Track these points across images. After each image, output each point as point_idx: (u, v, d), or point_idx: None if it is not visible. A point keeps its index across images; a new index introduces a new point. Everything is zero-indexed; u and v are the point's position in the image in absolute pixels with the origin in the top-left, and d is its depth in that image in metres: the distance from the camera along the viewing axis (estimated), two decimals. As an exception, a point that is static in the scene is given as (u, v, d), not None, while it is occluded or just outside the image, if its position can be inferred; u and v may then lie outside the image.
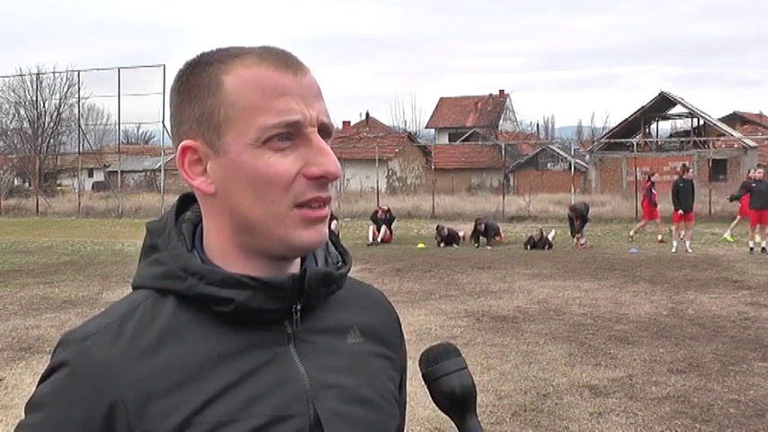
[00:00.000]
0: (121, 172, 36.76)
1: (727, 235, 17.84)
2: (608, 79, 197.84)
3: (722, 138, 38.86)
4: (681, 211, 15.99)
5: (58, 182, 48.04)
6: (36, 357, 6.96)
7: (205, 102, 0.88)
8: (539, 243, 16.93)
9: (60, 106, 43.90)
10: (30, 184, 41.61)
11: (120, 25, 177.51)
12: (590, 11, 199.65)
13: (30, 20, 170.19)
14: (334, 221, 17.64)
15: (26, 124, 45.28)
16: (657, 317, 8.76)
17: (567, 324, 8.39)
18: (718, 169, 35.97)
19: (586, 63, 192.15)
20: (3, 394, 5.91)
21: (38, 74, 41.92)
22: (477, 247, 17.49)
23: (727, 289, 10.73)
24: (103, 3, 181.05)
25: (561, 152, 47.75)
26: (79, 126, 36.50)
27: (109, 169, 43.30)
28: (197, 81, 0.89)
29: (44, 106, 44.12)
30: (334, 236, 0.97)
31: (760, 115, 52.53)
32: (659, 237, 18.00)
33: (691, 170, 17.69)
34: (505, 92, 62.19)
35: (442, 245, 17.79)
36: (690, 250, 15.65)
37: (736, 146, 38.64)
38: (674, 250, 15.74)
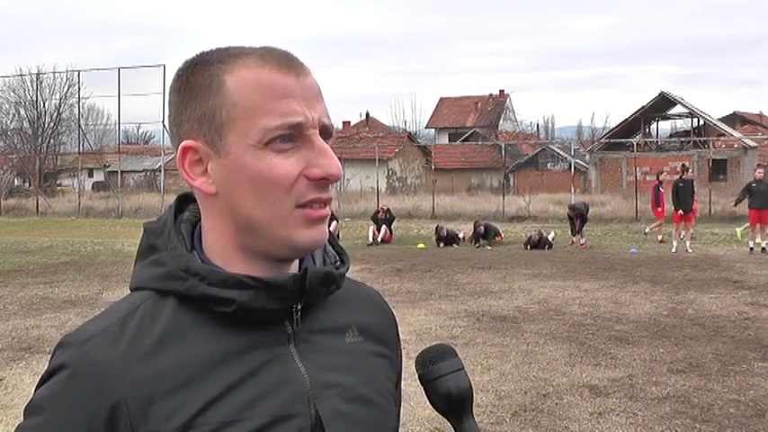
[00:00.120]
0: (121, 172, 36.75)
1: (739, 231, 17.83)
2: (608, 79, 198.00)
3: (722, 138, 38.87)
4: (681, 212, 15.99)
5: (58, 182, 48.04)
6: (36, 357, 6.96)
7: (206, 102, 0.88)
8: (539, 243, 16.93)
9: (60, 106, 43.96)
10: (30, 184, 41.62)
11: (120, 25, 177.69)
12: (590, 11, 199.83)
13: (30, 20, 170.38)
14: (334, 222, 17.65)
15: (26, 124, 45.32)
16: (657, 317, 8.76)
17: (567, 324, 8.39)
18: (719, 169, 35.97)
19: (586, 63, 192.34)
20: (3, 394, 5.91)
21: (38, 74, 42.01)
22: (477, 247, 17.49)
23: (727, 289, 10.74)
24: (103, 3, 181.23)
25: (561, 152, 47.75)
26: (79, 126, 36.52)
27: (109, 169, 43.31)
28: (198, 81, 0.89)
29: (44, 106, 44.19)
30: (331, 236, 0.97)
31: (760, 115, 52.54)
32: (659, 237, 18.00)
33: (690, 170, 17.70)
34: (505, 92, 62.22)
35: (441, 245, 17.78)
36: (690, 250, 15.66)
37: (736, 146, 38.64)
38: (674, 250, 15.75)
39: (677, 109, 41.81)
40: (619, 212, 26.15)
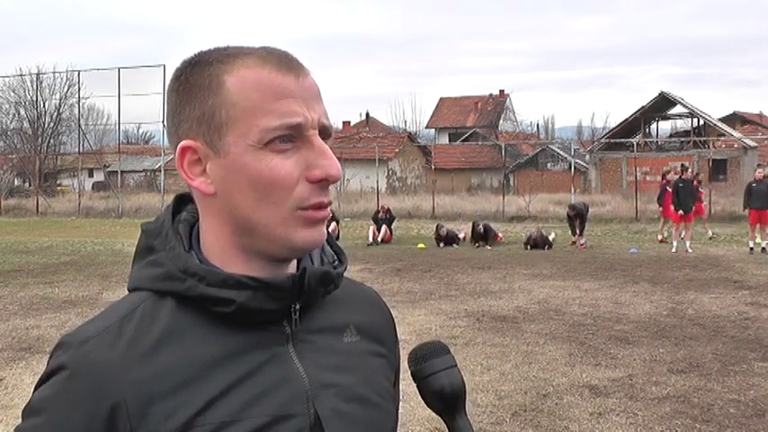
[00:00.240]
0: (121, 172, 36.75)
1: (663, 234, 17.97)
2: (608, 79, 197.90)
3: (722, 138, 38.87)
4: (681, 212, 15.99)
5: (58, 182, 48.03)
6: (36, 357, 6.96)
7: (206, 102, 0.88)
8: (539, 242, 16.92)
9: (60, 106, 43.92)
10: (30, 184, 41.62)
11: (120, 25, 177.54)
12: (590, 11, 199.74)
13: (30, 20, 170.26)
14: (333, 223, 17.66)
15: (26, 124, 45.27)
16: (657, 317, 8.76)
17: (567, 324, 8.39)
18: (719, 169, 35.98)
19: (586, 63, 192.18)
20: (3, 394, 5.91)
21: (38, 74, 41.96)
22: (477, 247, 17.49)
23: (727, 289, 10.74)
24: (103, 3, 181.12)
25: (561, 152, 47.76)
26: (79, 126, 36.52)
27: (109, 169, 43.31)
28: (197, 81, 0.89)
29: (44, 106, 44.14)
30: (329, 236, 0.97)
31: (760, 115, 52.52)
32: (659, 237, 18.02)
33: (690, 170, 17.71)
34: (505, 92, 62.22)
35: (441, 245, 17.78)
36: (690, 250, 15.66)
37: (736, 146, 38.64)
38: (674, 250, 15.75)
39: (677, 109, 41.81)
40: (619, 212, 26.14)
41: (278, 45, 0.92)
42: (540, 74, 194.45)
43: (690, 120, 42.47)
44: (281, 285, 0.89)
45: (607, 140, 41.20)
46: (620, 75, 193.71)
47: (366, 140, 43.87)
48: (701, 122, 41.41)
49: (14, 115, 45.39)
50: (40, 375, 0.88)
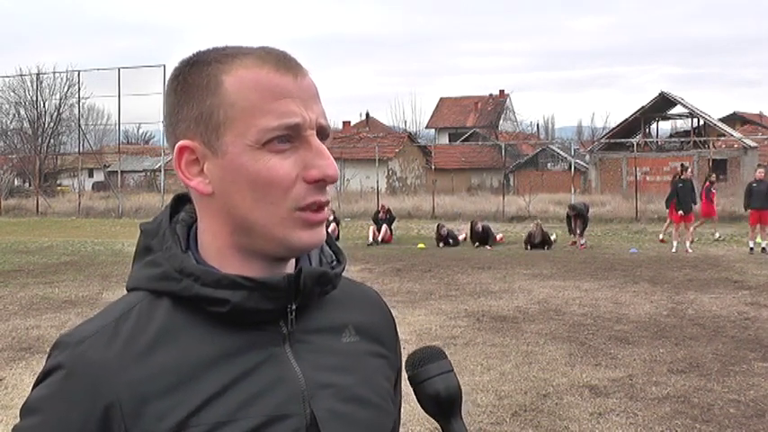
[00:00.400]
0: (121, 172, 36.77)
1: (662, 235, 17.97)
2: (608, 79, 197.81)
3: (722, 138, 38.89)
4: (681, 212, 15.99)
5: (58, 182, 48.05)
6: (36, 357, 6.96)
7: (204, 102, 0.88)
8: (538, 239, 16.90)
9: (60, 106, 43.91)
10: (30, 185, 41.63)
11: (120, 25, 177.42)
12: (590, 11, 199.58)
13: (30, 20, 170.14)
14: (333, 224, 17.66)
15: (26, 124, 45.26)
16: (657, 317, 8.76)
17: (567, 324, 8.39)
18: (718, 169, 35.94)
19: (586, 63, 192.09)
20: (3, 394, 5.91)
21: (38, 74, 41.97)
22: (477, 247, 17.49)
23: (728, 289, 10.73)
24: (103, 3, 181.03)
25: (561, 152, 47.78)
26: (79, 126, 36.54)
27: (109, 169, 43.33)
28: (195, 81, 0.89)
29: (44, 106, 44.13)
30: (328, 236, 0.97)
31: (760, 115, 52.54)
32: (660, 236, 18.01)
33: (690, 170, 17.70)
34: (505, 92, 62.24)
35: (441, 245, 17.78)
36: (690, 250, 15.65)
37: (736, 146, 38.65)
38: (674, 250, 15.75)
39: (677, 109, 41.82)
40: (619, 212, 26.14)
41: (277, 45, 0.92)
42: (540, 74, 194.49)
43: (690, 120, 42.48)
44: (276, 285, 0.89)
45: (607, 140, 41.21)
46: (620, 75, 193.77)
47: (366, 140, 43.89)
48: (701, 122, 41.42)
49: (14, 115, 45.45)
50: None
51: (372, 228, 19.12)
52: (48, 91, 43.87)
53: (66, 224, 26.95)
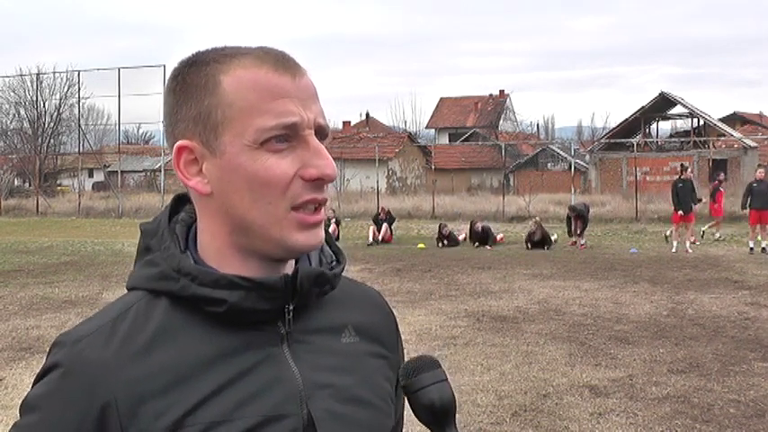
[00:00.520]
0: (121, 172, 36.76)
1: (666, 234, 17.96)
2: (608, 79, 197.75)
3: (722, 138, 38.87)
4: (681, 212, 15.98)
5: (58, 182, 48.04)
6: (36, 357, 6.96)
7: (202, 102, 0.88)
8: (538, 236, 16.89)
9: (60, 106, 43.89)
10: (30, 185, 41.62)
11: (120, 25, 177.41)
12: (590, 11, 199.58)
13: (30, 20, 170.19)
14: (333, 225, 17.66)
15: (26, 124, 45.24)
16: (657, 317, 8.76)
17: (567, 324, 8.39)
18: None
19: (586, 63, 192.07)
20: (3, 394, 5.91)
21: (38, 74, 41.96)
22: (476, 246, 17.49)
23: (728, 289, 10.73)
24: (103, 3, 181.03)
25: (561, 152, 47.77)
26: (79, 126, 36.54)
27: (109, 169, 43.32)
28: (194, 81, 0.89)
29: (44, 106, 44.11)
30: (328, 235, 0.97)
31: (760, 115, 52.52)
32: (667, 232, 17.96)
33: (690, 170, 17.70)
34: (505, 92, 62.22)
35: (440, 245, 17.78)
36: (690, 250, 15.65)
37: (736, 146, 38.63)
38: (674, 250, 15.74)
39: (677, 109, 41.80)
40: (619, 212, 26.13)
41: (277, 45, 0.92)
42: (540, 74, 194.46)
43: (690, 120, 42.46)
44: (273, 285, 0.89)
45: (607, 140, 41.19)
46: (620, 75, 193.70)
47: (366, 140, 43.88)
48: (701, 122, 41.40)
49: (14, 115, 45.42)
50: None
51: (372, 228, 19.12)
52: (48, 91, 43.90)
53: (66, 224, 26.95)
